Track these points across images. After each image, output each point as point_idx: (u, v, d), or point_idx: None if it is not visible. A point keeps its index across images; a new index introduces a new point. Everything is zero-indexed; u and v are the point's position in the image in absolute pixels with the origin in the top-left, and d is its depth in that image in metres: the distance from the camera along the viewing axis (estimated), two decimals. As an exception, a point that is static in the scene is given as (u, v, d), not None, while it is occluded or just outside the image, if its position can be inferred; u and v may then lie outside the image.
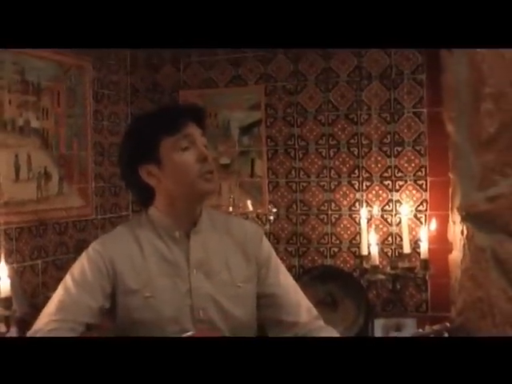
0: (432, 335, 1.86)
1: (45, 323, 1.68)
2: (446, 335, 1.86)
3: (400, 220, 3.18)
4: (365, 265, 3.09)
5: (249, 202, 3.33)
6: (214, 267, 1.80)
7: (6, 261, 2.42)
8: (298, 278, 3.03)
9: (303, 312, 1.86)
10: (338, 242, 3.35)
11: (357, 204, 3.32)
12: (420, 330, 1.92)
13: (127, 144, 1.85)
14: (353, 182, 3.33)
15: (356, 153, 3.32)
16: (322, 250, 3.37)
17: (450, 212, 2.91)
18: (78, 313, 1.69)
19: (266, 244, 1.92)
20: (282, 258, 3.18)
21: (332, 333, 1.84)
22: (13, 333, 2.36)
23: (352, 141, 3.33)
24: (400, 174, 3.26)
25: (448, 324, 1.91)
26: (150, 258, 1.77)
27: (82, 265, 1.75)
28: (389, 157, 3.28)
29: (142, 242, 1.79)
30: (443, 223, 3.02)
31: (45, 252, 3.01)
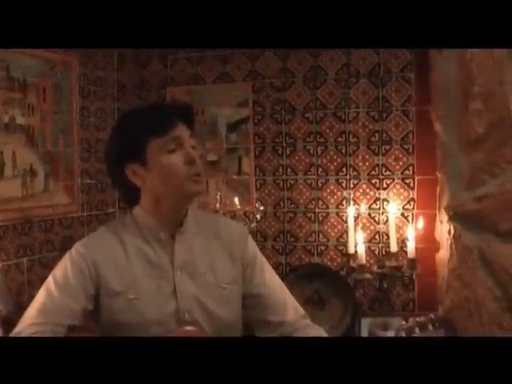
0: (416, 327, 1.86)
1: (26, 326, 1.66)
2: (431, 328, 1.86)
3: (387, 218, 3.17)
4: (352, 263, 3.08)
5: (236, 200, 3.32)
6: (199, 268, 1.78)
7: (-9, 259, 2.40)
8: (284, 276, 3.03)
9: (290, 311, 1.85)
10: (325, 240, 3.34)
11: (344, 202, 3.31)
12: (404, 323, 1.92)
13: (114, 141, 1.81)
14: (340, 180, 3.32)
15: (344, 151, 3.32)
16: (309, 248, 3.37)
17: (437, 211, 2.91)
18: (60, 315, 1.67)
19: (252, 244, 1.91)
20: (268, 256, 3.21)
21: (319, 331, 1.84)
22: (-3, 332, 2.34)
23: (340, 139, 3.32)
24: (387, 173, 3.25)
25: (433, 316, 1.92)
26: (134, 260, 1.75)
27: (64, 267, 1.73)
28: (376, 155, 3.27)
29: (126, 243, 1.77)
30: (430, 222, 3.02)
31: (30, 250, 2.98)
